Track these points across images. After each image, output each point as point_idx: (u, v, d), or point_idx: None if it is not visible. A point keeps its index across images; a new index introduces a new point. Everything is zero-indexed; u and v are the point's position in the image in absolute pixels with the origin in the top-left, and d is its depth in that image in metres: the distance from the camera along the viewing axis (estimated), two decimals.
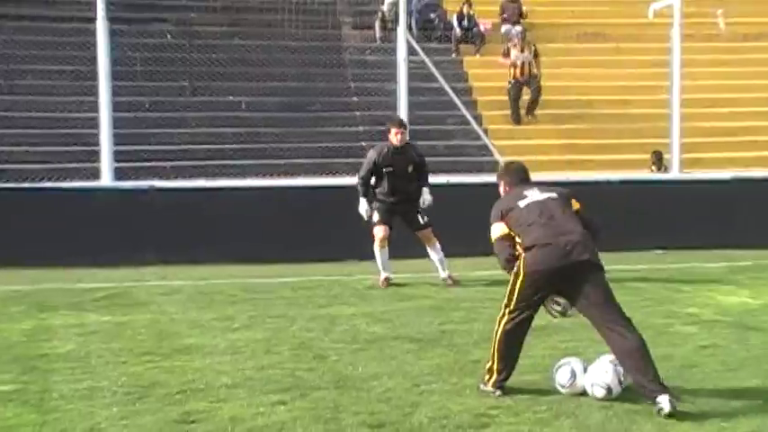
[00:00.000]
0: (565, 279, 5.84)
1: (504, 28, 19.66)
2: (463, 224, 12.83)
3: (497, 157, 15.78)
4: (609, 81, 18.21)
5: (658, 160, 15.48)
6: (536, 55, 17.40)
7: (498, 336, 6.02)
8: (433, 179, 13.70)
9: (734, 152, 16.53)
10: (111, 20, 12.96)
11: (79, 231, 11.94)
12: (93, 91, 13.10)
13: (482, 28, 19.42)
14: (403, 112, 13.61)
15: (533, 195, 6.09)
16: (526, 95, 17.54)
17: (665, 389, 5.56)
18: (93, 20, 13.00)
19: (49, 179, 13.42)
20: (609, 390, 5.92)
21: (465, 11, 19.25)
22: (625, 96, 17.86)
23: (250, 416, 5.58)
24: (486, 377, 6.04)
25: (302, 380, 6.39)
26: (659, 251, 13.03)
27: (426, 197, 10.63)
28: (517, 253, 5.97)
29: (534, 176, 15.63)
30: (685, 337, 7.70)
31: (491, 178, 14.45)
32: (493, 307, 9.03)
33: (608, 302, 5.85)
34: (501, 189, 6.42)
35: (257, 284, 10.47)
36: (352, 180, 14.16)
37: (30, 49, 16.24)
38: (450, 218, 12.84)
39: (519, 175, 6.38)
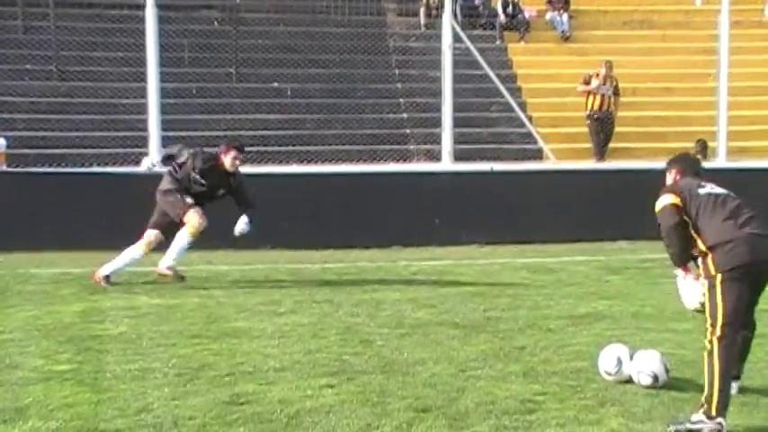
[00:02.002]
0: (760, 275, 5.36)
1: (549, 15, 19.57)
2: (507, 211, 12.94)
3: (542, 144, 15.78)
4: (655, 68, 18.05)
5: (703, 149, 15.35)
6: (616, 92, 16.33)
7: (715, 354, 5.22)
8: (476, 166, 13.85)
9: None
10: (160, 7, 13.10)
11: (126, 216, 12.09)
12: (142, 77, 13.28)
13: (527, 15, 19.34)
14: (447, 99, 13.64)
15: (712, 187, 5.54)
16: None
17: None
18: (141, 7, 13.18)
19: (99, 164, 13.66)
20: (655, 378, 5.92)
21: None
22: (671, 84, 17.71)
23: (298, 398, 5.68)
24: (704, 409, 5.15)
25: (349, 364, 6.47)
26: None
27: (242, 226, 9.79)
28: (697, 250, 5.40)
29: (576, 165, 15.67)
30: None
31: (535, 166, 14.69)
32: (538, 294, 9.14)
33: (757, 302, 5.56)
34: (670, 177, 5.82)
35: (302, 270, 10.58)
36: (396, 167, 14.33)
37: (81, 35, 16.47)
38: (494, 205, 12.93)
39: (693, 167, 5.85)
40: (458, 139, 13.92)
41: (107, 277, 9.54)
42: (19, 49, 16.29)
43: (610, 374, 6.09)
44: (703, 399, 5.16)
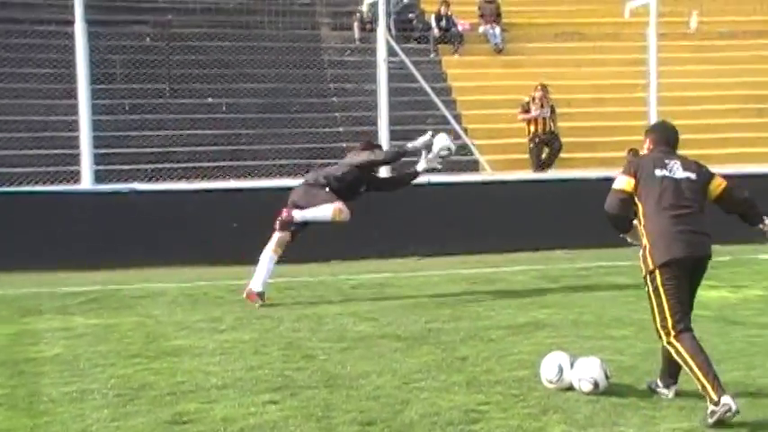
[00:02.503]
0: (688, 270, 5.56)
1: (482, 28, 19.77)
2: (445, 223, 13.01)
3: (477, 155, 15.90)
4: (587, 80, 18.35)
5: (635, 158, 15.61)
6: (553, 111, 16.48)
7: (682, 351, 5.45)
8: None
9: (709, 149, 16.69)
10: (90, 22, 12.91)
11: (60, 235, 11.91)
12: (73, 94, 13.06)
13: (460, 28, 19.51)
14: (383, 113, 13.68)
15: (673, 169, 5.66)
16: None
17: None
18: (71, 23, 12.96)
19: (29, 183, 13.38)
20: (596, 384, 5.99)
21: (443, 11, 19.33)
22: (602, 95, 18.00)
23: (242, 415, 5.62)
24: (709, 399, 5.34)
25: (292, 379, 6.43)
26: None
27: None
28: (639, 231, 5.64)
29: (512, 175, 15.78)
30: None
31: (472, 177, 14.77)
32: (478, 305, 9.18)
33: (694, 296, 5.75)
34: (645, 146, 5.96)
35: (242, 286, 10.46)
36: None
37: (8, 52, 16.15)
38: (432, 217, 12.99)
39: (667, 137, 5.89)
40: None
41: (261, 294, 9.34)
42: None
43: (551, 382, 6.14)
44: (702, 391, 5.38)
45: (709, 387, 5.33)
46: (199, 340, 7.73)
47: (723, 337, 7.60)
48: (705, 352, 5.50)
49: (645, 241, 5.63)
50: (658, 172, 5.66)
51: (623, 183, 5.71)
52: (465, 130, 16.41)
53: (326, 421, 5.49)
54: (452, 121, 15.99)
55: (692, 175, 5.71)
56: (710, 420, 5.29)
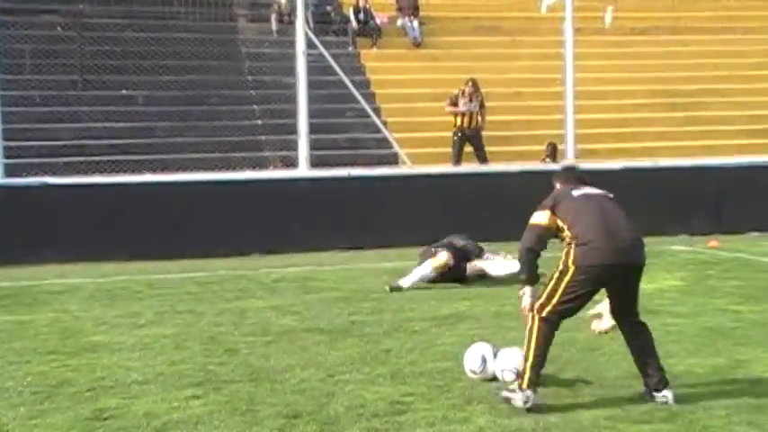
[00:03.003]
0: (615, 278, 5.60)
1: (400, 21, 19.83)
2: (366, 216, 13.01)
3: (397, 149, 15.93)
4: (505, 74, 18.53)
5: (552, 152, 15.86)
6: (482, 105, 16.40)
7: (535, 333, 5.57)
8: (333, 172, 13.87)
9: (624, 143, 17.08)
10: None
11: None
12: None
13: (378, 21, 19.54)
14: (302, 105, 13.59)
15: (588, 190, 5.85)
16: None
17: (668, 382, 5.71)
18: None
19: None
20: (518, 374, 6.05)
21: (361, 4, 19.33)
22: (520, 89, 18.21)
23: (165, 410, 5.53)
24: (519, 381, 5.58)
25: (215, 374, 6.35)
26: None
27: None
28: (565, 243, 5.64)
29: (432, 169, 15.82)
30: (587, 322, 7.90)
31: (391, 171, 14.80)
32: (401, 298, 9.20)
33: (636, 298, 5.80)
34: (556, 189, 6.08)
35: (162, 280, 10.32)
36: (253, 174, 14.17)
37: None
38: (353, 210, 12.98)
39: (575, 175, 6.12)
40: (314, 145, 13.88)
41: (398, 287, 9.59)
42: None
43: (475, 373, 6.19)
44: (518, 374, 5.63)
45: (527, 376, 5.52)
46: (118, 335, 7.58)
47: None
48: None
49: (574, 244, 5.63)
50: (576, 193, 5.81)
51: (540, 218, 5.76)
52: (384, 123, 16.42)
53: (251, 415, 5.44)
54: (372, 113, 16.00)
55: (609, 194, 5.89)
56: (503, 393, 5.58)
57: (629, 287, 5.74)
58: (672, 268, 10.86)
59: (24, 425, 5.32)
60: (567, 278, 5.56)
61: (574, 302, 5.62)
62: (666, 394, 5.69)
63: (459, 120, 16.34)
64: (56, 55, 16.28)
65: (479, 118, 16.41)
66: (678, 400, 5.67)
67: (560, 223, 5.68)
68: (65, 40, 16.99)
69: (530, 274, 5.77)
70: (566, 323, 6.49)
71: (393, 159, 16.00)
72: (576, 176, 6.13)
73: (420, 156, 16.02)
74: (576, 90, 14.88)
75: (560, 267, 5.60)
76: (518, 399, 5.49)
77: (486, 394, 5.84)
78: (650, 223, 13.89)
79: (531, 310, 5.66)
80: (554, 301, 5.58)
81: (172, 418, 5.39)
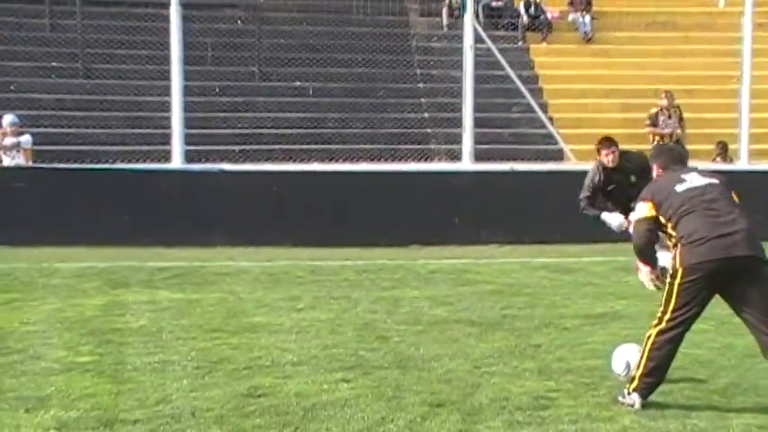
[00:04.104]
0: (728, 276, 5.33)
1: (571, 16, 19.58)
2: (527, 211, 12.96)
3: (562, 145, 15.79)
4: (677, 70, 18.00)
5: (723, 151, 15.32)
6: (681, 118, 15.67)
7: (650, 343, 5.45)
8: (496, 166, 13.90)
9: None
10: (184, 5, 13.22)
11: (150, 212, 12.26)
12: (166, 75, 13.40)
13: (549, 16, 19.36)
14: (468, 100, 13.67)
15: (693, 180, 5.54)
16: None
17: None
18: (166, 5, 13.30)
19: (123, 161, 13.80)
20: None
21: None
22: (692, 86, 17.65)
23: (314, 392, 5.76)
24: (628, 384, 5.52)
25: (365, 359, 6.55)
26: None
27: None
28: (672, 244, 5.49)
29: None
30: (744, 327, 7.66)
31: (556, 166, 14.68)
32: (555, 294, 9.17)
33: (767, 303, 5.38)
34: (654, 173, 5.90)
35: (322, 267, 10.65)
36: (416, 166, 14.39)
37: (106, 33, 16.65)
38: (514, 205, 12.96)
39: (674, 158, 5.85)
40: (478, 140, 13.94)
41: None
42: (46, 47, 16.48)
43: (620, 376, 6.12)
44: (629, 379, 5.58)
45: (635, 382, 5.47)
46: (277, 318, 7.91)
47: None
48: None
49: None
50: (680, 187, 5.52)
51: (643, 210, 5.60)
52: (551, 119, 16.31)
53: (396, 401, 5.59)
54: (538, 109, 15.91)
55: (714, 180, 5.60)
56: (616, 395, 5.57)
57: (750, 287, 5.32)
58: None
59: (186, 396, 5.67)
60: (677, 281, 5.38)
61: (690, 308, 5.40)
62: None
63: (656, 139, 15.40)
64: (236, 47, 17.00)
65: (680, 136, 15.50)
66: None
67: (662, 219, 5.50)
68: (244, 33, 17.71)
69: (652, 263, 5.73)
70: (723, 329, 6.33)
71: (558, 155, 15.86)
72: (675, 158, 5.86)
73: (585, 152, 15.75)
74: (753, 88, 14.30)
75: (670, 272, 5.44)
76: (624, 402, 5.47)
77: None
78: None
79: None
80: (670, 308, 5.42)
81: (321, 399, 5.62)
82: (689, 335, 7.34)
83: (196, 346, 6.90)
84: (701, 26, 18.97)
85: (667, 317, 5.45)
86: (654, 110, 15.73)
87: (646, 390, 5.47)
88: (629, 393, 5.50)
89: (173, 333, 7.30)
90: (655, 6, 19.74)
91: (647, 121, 15.73)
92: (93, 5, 17.06)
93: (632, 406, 5.46)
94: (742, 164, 14.15)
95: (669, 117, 15.60)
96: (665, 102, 15.59)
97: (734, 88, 14.72)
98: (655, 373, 5.46)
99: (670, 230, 5.49)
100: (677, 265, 5.38)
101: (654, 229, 5.58)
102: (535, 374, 6.20)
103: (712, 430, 5.20)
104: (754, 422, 5.32)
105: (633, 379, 5.52)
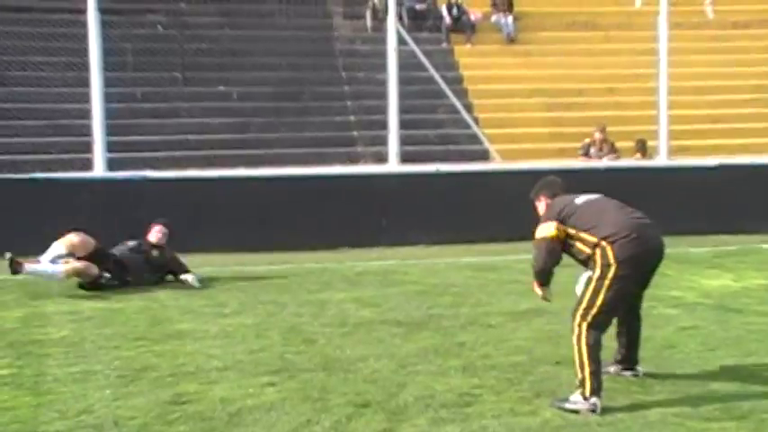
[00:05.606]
0: (649, 264, 5.73)
1: (494, 17, 19.79)
2: (454, 212, 13.07)
3: (487, 145, 15.94)
4: (598, 69, 18.33)
5: (642, 148, 15.63)
6: (614, 150, 15.60)
7: (583, 339, 5.53)
8: (423, 167, 13.98)
9: (720, 139, 16.70)
10: (102, 11, 13.00)
11: (71, 222, 11.98)
12: (86, 82, 13.17)
13: (472, 17, 19.54)
14: (393, 102, 13.72)
15: (586, 196, 5.89)
16: None
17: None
18: (83, 11, 13.07)
19: (43, 170, 13.51)
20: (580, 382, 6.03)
21: (454, 0, 19.35)
22: (613, 84, 17.99)
23: (240, 396, 5.74)
24: (581, 391, 5.48)
25: (291, 362, 6.54)
26: None
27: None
28: (588, 249, 5.64)
29: (524, 165, 15.73)
30: (667, 319, 7.85)
31: (482, 166, 14.82)
32: (481, 292, 9.25)
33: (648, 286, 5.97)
34: (541, 205, 6.09)
35: (248, 272, 10.60)
36: (343, 169, 14.39)
37: (21, 40, 16.30)
38: (441, 205, 13.06)
39: (561, 186, 6.12)
40: (405, 141, 13.99)
41: None
42: None
43: None
44: (578, 381, 5.51)
45: (588, 384, 5.46)
46: (202, 324, 7.85)
47: (721, 325, 7.66)
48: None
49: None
50: (578, 200, 5.86)
51: (548, 229, 5.78)
52: (476, 120, 16.45)
53: (322, 403, 5.60)
54: (463, 110, 16.04)
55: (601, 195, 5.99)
56: (565, 405, 5.47)
57: (652, 274, 5.84)
58: (762, 267, 10.61)
59: (108, 406, 5.60)
60: (610, 275, 5.53)
61: (620, 300, 5.64)
62: (640, 369, 6.11)
63: None
64: (157, 53, 16.80)
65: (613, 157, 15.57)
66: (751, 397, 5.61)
67: (572, 231, 5.69)
68: (166, 38, 17.51)
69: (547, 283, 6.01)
70: (644, 321, 6.45)
71: (484, 155, 16.01)
72: (562, 186, 6.14)
73: (511, 152, 15.99)
74: (671, 86, 14.62)
75: (598, 271, 5.57)
76: (585, 408, 5.42)
77: (557, 388, 5.87)
78: (743, 221, 13.72)
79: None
80: (598, 302, 5.56)
81: (246, 403, 5.60)
82: (610, 329, 7.53)
83: (120, 354, 6.82)
84: (621, 26, 19.33)
85: (594, 311, 5.56)
86: (587, 140, 15.91)
87: (597, 385, 5.49)
88: (586, 399, 5.44)
89: (95, 342, 7.20)
90: (574, 7, 20.07)
91: (580, 151, 15.92)
92: (5, 11, 16.69)
93: (594, 411, 5.40)
94: (661, 160, 14.46)
95: (601, 149, 15.75)
96: (598, 135, 15.79)
97: (652, 86, 15.03)
98: (598, 365, 5.54)
99: (585, 236, 5.66)
100: (611, 260, 5.54)
101: (559, 248, 5.77)
102: (460, 372, 6.27)
103: (631, 420, 5.32)
104: (671, 411, 5.47)
105: (583, 382, 5.46)
